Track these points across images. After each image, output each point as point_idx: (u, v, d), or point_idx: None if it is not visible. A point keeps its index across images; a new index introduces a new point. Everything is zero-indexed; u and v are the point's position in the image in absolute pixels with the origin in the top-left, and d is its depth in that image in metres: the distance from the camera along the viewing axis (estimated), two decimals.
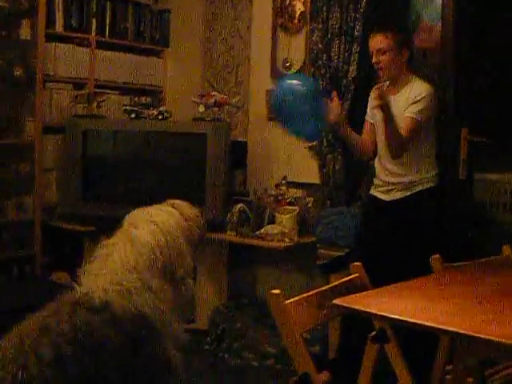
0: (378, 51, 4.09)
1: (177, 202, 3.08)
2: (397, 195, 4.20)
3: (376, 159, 4.34)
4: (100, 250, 2.73)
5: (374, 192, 4.37)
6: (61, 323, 2.40)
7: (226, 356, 4.94)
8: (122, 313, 2.50)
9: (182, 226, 2.93)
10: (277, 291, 2.31)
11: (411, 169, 4.14)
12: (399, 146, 4.03)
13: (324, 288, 2.60)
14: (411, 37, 4.45)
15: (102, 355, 2.41)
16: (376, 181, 4.34)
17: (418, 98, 4.02)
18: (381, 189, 4.29)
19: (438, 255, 3.07)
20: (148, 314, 2.57)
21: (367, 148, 4.39)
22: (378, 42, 4.10)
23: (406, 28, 4.62)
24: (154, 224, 2.81)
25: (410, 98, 4.07)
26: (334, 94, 4.17)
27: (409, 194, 4.16)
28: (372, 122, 4.37)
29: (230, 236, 5.10)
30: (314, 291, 2.55)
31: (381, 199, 4.28)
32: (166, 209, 2.98)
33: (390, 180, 4.21)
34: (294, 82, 4.18)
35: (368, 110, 4.41)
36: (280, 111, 4.14)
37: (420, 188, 4.15)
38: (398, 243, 4.11)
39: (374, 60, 4.13)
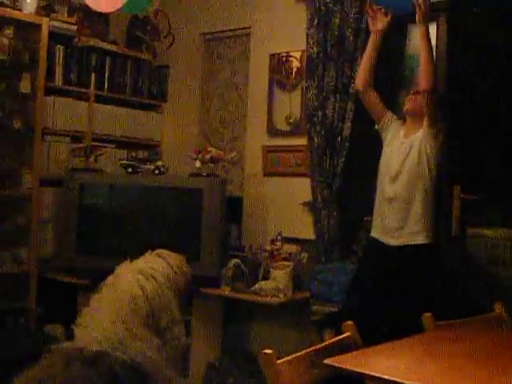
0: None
1: (164, 251, 3.11)
2: (400, 240, 4.18)
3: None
4: (91, 302, 2.75)
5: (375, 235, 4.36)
6: (57, 377, 2.40)
7: None
8: (116, 364, 2.50)
9: (167, 275, 2.96)
10: (269, 351, 2.31)
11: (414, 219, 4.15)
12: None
13: (316, 347, 2.59)
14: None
15: None
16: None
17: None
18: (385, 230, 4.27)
19: (429, 314, 3.07)
20: (141, 363, 2.57)
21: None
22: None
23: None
24: (139, 273, 2.83)
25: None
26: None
27: (412, 243, 4.15)
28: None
29: (225, 291, 5.10)
30: (306, 351, 2.55)
31: (383, 243, 4.27)
32: (153, 258, 3.01)
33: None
34: None
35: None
36: None
37: (422, 241, 4.14)
38: (395, 292, 4.11)
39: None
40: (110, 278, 2.86)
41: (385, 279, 4.18)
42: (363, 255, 4.62)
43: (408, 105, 4.26)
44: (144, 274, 2.85)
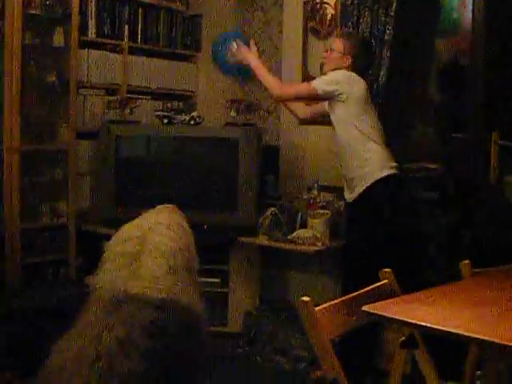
0: (329, 48, 4.59)
1: (159, 206, 3.13)
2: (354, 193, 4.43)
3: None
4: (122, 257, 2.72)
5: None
6: (134, 322, 2.40)
7: (259, 359, 4.96)
8: (182, 309, 2.55)
9: (179, 223, 2.99)
10: (306, 298, 2.33)
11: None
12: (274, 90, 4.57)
13: (353, 294, 2.61)
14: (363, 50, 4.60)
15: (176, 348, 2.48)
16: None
17: (327, 74, 4.51)
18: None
19: (467, 261, 3.07)
20: (192, 308, 2.62)
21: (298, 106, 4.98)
22: (334, 42, 4.62)
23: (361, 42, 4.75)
24: (160, 224, 2.84)
25: None
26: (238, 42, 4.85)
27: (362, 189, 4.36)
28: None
29: (262, 240, 5.12)
30: (343, 298, 2.57)
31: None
32: (159, 213, 3.02)
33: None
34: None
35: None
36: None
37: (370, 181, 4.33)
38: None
39: (323, 54, 4.68)
40: (136, 230, 2.85)
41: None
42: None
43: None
44: (173, 225, 2.87)
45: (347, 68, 4.44)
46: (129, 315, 2.41)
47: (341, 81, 4.35)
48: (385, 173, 4.29)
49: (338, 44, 4.51)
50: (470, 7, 4.83)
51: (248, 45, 4.81)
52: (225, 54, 5.05)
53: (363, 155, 4.31)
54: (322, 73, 4.72)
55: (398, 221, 4.36)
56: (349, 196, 4.47)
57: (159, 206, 3.14)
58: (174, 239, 2.81)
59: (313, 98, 4.59)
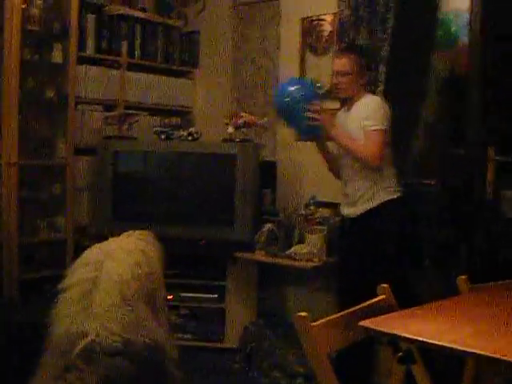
0: (338, 73, 4.31)
1: (131, 232, 3.02)
2: (360, 209, 4.34)
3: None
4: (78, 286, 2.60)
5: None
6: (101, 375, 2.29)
7: (256, 375, 4.95)
8: (142, 348, 2.42)
9: (149, 251, 2.89)
10: (303, 314, 2.33)
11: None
12: (369, 157, 4.18)
13: (350, 310, 2.62)
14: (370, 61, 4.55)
15: None
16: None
17: (371, 108, 4.21)
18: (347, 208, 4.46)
19: (464, 276, 3.08)
20: (160, 344, 2.54)
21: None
22: (340, 64, 4.32)
23: (368, 52, 4.70)
24: (129, 252, 2.75)
25: (361, 111, 4.23)
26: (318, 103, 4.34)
27: (370, 206, 4.29)
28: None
29: (259, 255, 5.13)
30: (341, 313, 2.58)
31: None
32: (129, 239, 2.92)
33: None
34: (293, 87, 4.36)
35: None
36: (281, 112, 4.52)
37: (380, 200, 4.27)
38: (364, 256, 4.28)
39: (334, 81, 4.37)
40: (95, 257, 2.70)
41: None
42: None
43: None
44: (134, 252, 2.75)
45: (365, 85, 4.39)
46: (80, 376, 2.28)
47: (386, 109, 4.26)
48: (396, 195, 4.28)
49: (347, 64, 4.30)
50: (467, 20, 4.84)
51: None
52: (301, 117, 4.28)
53: (376, 176, 4.26)
54: (343, 100, 4.52)
55: (401, 237, 4.34)
56: (351, 211, 4.41)
57: (130, 232, 3.00)
58: (131, 266, 2.66)
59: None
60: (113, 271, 2.58)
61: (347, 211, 4.45)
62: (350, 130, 4.26)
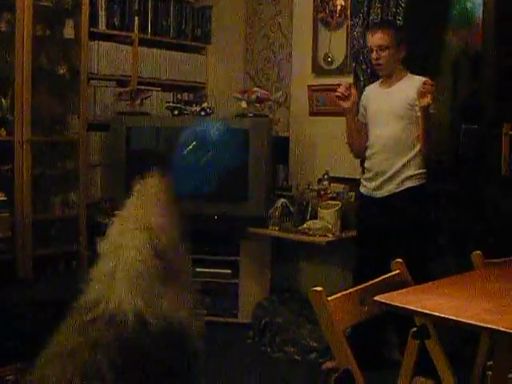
0: (378, 48, 4.25)
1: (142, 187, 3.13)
2: (386, 191, 4.31)
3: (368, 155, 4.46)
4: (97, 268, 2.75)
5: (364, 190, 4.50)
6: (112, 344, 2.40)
7: (269, 350, 4.96)
8: (156, 324, 2.51)
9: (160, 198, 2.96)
10: (319, 288, 2.33)
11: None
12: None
13: (365, 284, 2.61)
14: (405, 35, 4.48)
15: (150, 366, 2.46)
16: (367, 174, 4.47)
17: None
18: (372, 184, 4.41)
19: (478, 252, 3.07)
20: (173, 322, 2.58)
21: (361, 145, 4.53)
22: (378, 38, 4.26)
23: (404, 26, 4.66)
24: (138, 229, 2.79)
25: (410, 92, 4.17)
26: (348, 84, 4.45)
27: (398, 190, 4.26)
28: (363, 121, 4.50)
29: (273, 231, 5.13)
30: (356, 288, 2.57)
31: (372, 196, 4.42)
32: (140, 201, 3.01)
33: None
34: None
35: (360, 108, 4.53)
36: None
37: (410, 184, 4.24)
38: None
39: (373, 56, 4.30)
40: (112, 239, 2.84)
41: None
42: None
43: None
44: (142, 226, 2.81)
45: (400, 60, 4.33)
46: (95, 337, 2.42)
47: None
48: (423, 175, 4.27)
49: (385, 38, 4.25)
50: None
51: None
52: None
53: (410, 156, 4.23)
54: (382, 76, 4.45)
55: (424, 216, 4.31)
56: (376, 186, 4.37)
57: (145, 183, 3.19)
58: (146, 248, 2.73)
59: None
60: (129, 255, 2.68)
61: (372, 189, 4.41)
62: (390, 109, 4.26)
